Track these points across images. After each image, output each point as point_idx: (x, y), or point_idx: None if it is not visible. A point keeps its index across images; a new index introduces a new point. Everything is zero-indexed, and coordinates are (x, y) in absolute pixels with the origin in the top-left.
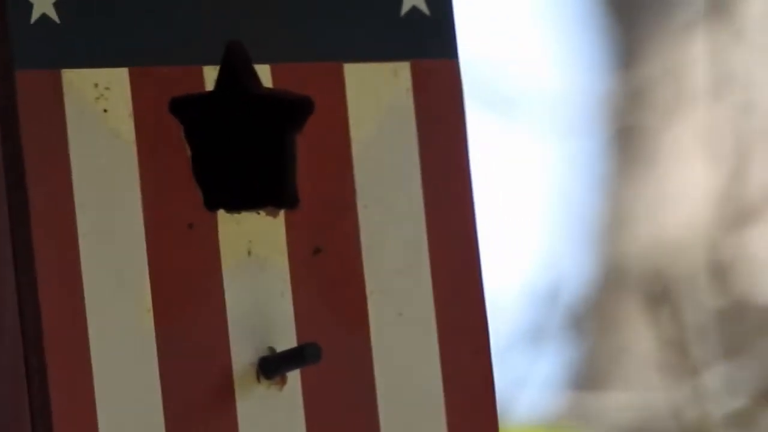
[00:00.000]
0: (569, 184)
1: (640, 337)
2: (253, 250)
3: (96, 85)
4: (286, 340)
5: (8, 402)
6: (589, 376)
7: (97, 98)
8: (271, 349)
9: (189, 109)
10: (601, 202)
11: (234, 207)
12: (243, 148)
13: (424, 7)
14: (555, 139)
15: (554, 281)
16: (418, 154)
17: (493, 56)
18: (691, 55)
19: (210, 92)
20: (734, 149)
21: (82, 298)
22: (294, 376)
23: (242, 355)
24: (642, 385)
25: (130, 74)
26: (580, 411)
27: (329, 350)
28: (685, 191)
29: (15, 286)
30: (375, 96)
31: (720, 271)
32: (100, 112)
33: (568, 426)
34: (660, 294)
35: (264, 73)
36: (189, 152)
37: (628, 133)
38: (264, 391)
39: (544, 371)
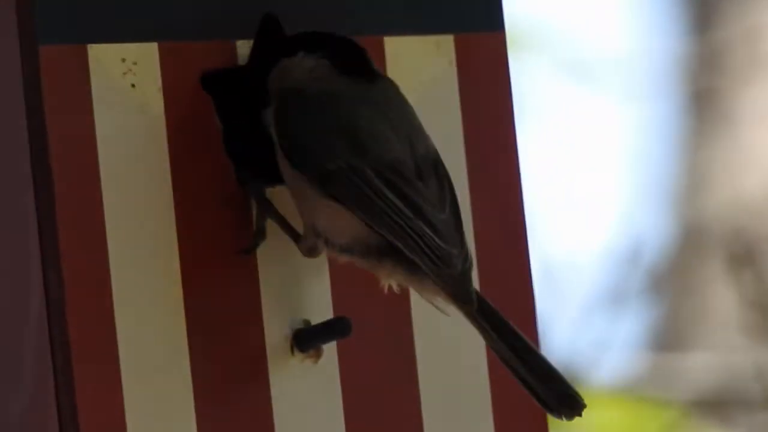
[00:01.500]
0: (648, 147)
1: (721, 299)
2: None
3: (123, 60)
4: (322, 312)
5: (34, 380)
6: (670, 337)
7: (125, 73)
8: (306, 321)
9: (221, 83)
10: (679, 164)
11: (265, 182)
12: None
13: None
14: (633, 102)
15: (634, 243)
16: (462, 129)
17: (569, 19)
18: (766, 19)
19: (242, 67)
20: None
21: (108, 272)
22: (331, 349)
23: (276, 328)
24: (724, 347)
25: (160, 49)
26: (661, 373)
27: (368, 323)
28: (763, 152)
29: (40, 261)
30: (417, 69)
31: None
32: (127, 87)
33: (650, 387)
34: (742, 255)
35: None
36: (220, 126)
37: (704, 96)
38: (298, 364)
39: (626, 333)
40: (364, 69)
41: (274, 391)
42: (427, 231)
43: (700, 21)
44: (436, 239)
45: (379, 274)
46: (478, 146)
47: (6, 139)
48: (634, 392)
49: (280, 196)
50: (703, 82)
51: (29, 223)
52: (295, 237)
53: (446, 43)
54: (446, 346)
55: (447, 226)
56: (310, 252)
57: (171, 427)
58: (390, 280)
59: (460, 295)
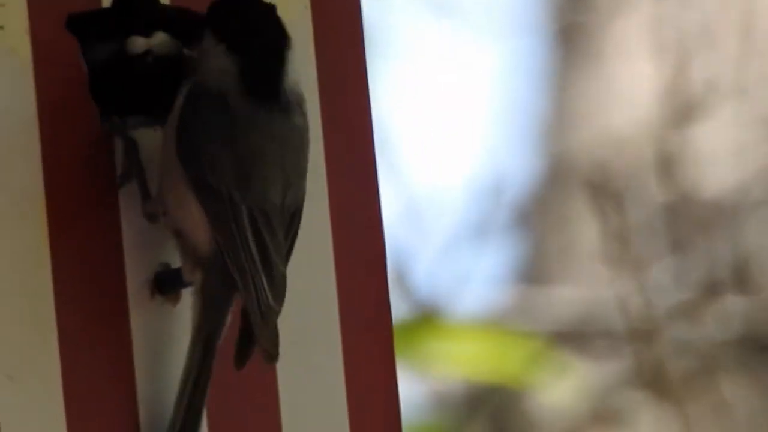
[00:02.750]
0: (514, 82)
1: (585, 232)
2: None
3: None
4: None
5: None
6: (534, 271)
7: None
8: (166, 264)
9: (86, 26)
10: (545, 99)
11: (130, 124)
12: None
13: None
14: (499, 38)
15: (499, 177)
16: (316, 73)
17: None
18: None
19: (106, 9)
20: (678, 44)
21: None
22: (189, 294)
23: (137, 271)
24: (587, 279)
25: None
26: (525, 305)
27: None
28: (629, 87)
29: None
30: None
31: (665, 166)
32: None
33: (514, 320)
34: (605, 189)
35: None
36: (85, 68)
37: (571, 30)
38: (158, 307)
39: (489, 267)
40: (275, 89)
41: (135, 333)
42: (265, 286)
43: None
44: (269, 296)
45: (186, 268)
46: (331, 87)
47: None
48: (497, 325)
49: (145, 143)
50: (571, 17)
51: None
52: (145, 194)
53: None
54: (302, 284)
55: (282, 282)
56: (149, 217)
57: (36, 366)
58: (192, 278)
59: (270, 348)
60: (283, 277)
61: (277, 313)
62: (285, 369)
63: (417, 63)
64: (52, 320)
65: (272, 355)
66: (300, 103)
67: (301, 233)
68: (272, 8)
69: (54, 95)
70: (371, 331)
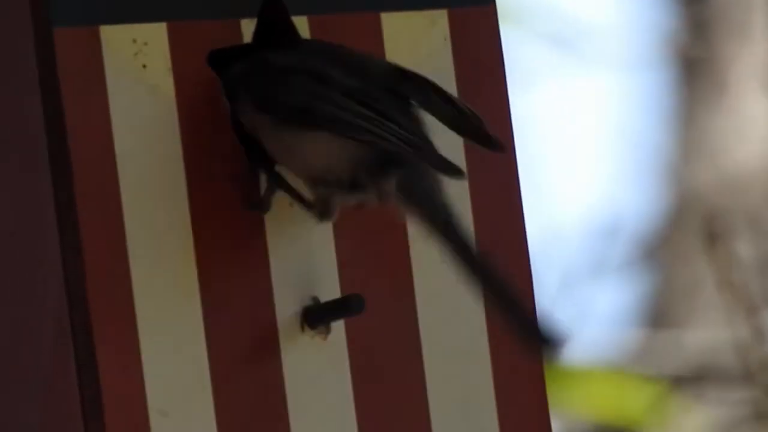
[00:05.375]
0: (635, 118)
1: (704, 273)
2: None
3: (134, 41)
4: (330, 289)
5: (54, 358)
6: (653, 312)
7: (136, 54)
8: (315, 299)
9: (228, 62)
10: (669, 134)
11: (276, 161)
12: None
13: None
14: (621, 72)
15: (620, 216)
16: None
17: None
18: None
19: (247, 45)
20: None
21: (125, 252)
22: (338, 327)
23: (286, 305)
24: (707, 323)
25: (168, 29)
26: (643, 348)
27: (372, 299)
28: (752, 125)
29: (59, 242)
30: (413, 45)
31: None
32: (139, 67)
33: (633, 363)
34: (718, 232)
35: (302, 25)
36: (228, 106)
37: (694, 67)
38: (308, 341)
39: (608, 307)
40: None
41: (286, 368)
42: (397, 128)
43: None
44: (406, 132)
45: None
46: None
47: (22, 122)
48: (617, 367)
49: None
50: (694, 52)
51: (46, 203)
52: (308, 205)
53: (441, 18)
54: (448, 315)
55: (414, 124)
56: (323, 212)
57: (190, 402)
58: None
59: (443, 163)
60: (417, 119)
61: (427, 140)
62: (437, 400)
63: (541, 99)
64: (204, 356)
65: (450, 168)
66: None
67: (446, 268)
68: None
69: (197, 131)
70: (522, 357)
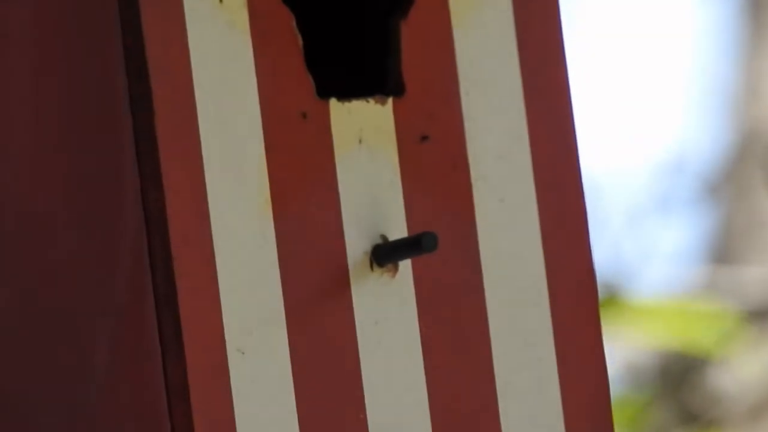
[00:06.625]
0: (700, 53)
1: None
2: (364, 138)
3: None
4: (397, 228)
5: (132, 289)
6: (720, 248)
7: None
8: (384, 237)
9: None
10: (732, 71)
11: (345, 95)
12: (352, 36)
13: None
14: (686, 7)
15: (686, 151)
16: (516, 41)
17: None
18: None
19: None
20: None
21: (204, 186)
22: (405, 265)
23: (356, 243)
24: None
25: None
26: (712, 284)
27: (437, 237)
28: None
29: (138, 174)
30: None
31: None
32: (216, 2)
33: (700, 299)
34: None
35: None
36: (301, 41)
37: (761, 2)
38: (377, 278)
39: (674, 243)
40: None
41: (356, 304)
42: None
43: None
44: None
45: None
46: (531, 57)
47: (103, 51)
48: (683, 303)
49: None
50: None
51: (126, 138)
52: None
53: None
54: (509, 255)
55: None
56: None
57: (265, 341)
58: None
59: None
60: None
61: None
62: (499, 337)
63: (604, 33)
64: (279, 295)
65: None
66: None
67: (507, 193)
68: None
69: (272, 67)
70: (579, 299)
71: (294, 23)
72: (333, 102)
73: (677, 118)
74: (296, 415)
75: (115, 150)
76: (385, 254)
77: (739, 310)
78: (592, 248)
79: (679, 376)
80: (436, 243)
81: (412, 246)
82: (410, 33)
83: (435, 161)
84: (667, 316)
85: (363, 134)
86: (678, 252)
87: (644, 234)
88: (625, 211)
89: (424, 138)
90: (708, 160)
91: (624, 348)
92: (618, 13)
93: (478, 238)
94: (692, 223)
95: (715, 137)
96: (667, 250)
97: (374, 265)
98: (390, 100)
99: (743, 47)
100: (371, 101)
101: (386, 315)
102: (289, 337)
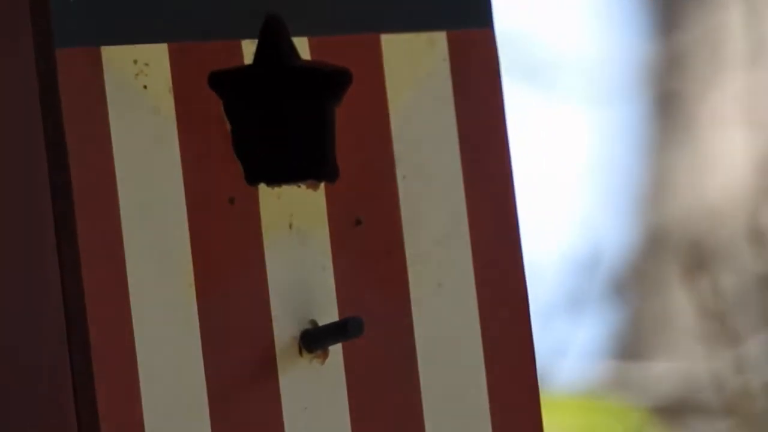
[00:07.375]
0: (609, 151)
1: (681, 305)
2: (295, 223)
3: (135, 62)
4: (328, 313)
5: (52, 382)
6: (630, 344)
7: (137, 74)
8: (313, 322)
9: (228, 83)
10: (642, 168)
11: (275, 180)
12: (282, 121)
13: None
14: (595, 106)
15: (595, 248)
16: (456, 124)
17: (531, 24)
18: (729, 21)
19: (249, 66)
20: None
21: (125, 275)
22: (336, 350)
23: (284, 329)
24: (683, 354)
25: (170, 50)
26: (621, 379)
27: (370, 322)
28: (724, 157)
29: (58, 265)
30: (412, 66)
31: (760, 238)
32: (140, 88)
33: (609, 395)
34: (697, 262)
35: (302, 46)
36: (229, 127)
37: (667, 100)
38: (306, 364)
39: (585, 339)
40: None
41: (284, 391)
42: None
43: (664, 23)
44: None
45: None
46: (471, 140)
47: (23, 140)
48: (594, 398)
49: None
50: (667, 86)
51: (46, 222)
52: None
53: (440, 39)
54: (446, 338)
55: None
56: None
57: (187, 428)
58: None
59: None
60: None
61: None
62: (434, 424)
63: (514, 132)
64: (202, 381)
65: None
66: None
67: (445, 278)
68: None
69: (198, 153)
70: (518, 385)
71: (222, 108)
72: (262, 187)
73: (588, 216)
74: None
75: (36, 237)
76: (313, 339)
77: (648, 406)
78: (532, 334)
79: None
80: (361, 328)
81: (339, 331)
82: (345, 115)
83: (369, 245)
84: (577, 411)
85: (293, 219)
86: (588, 348)
87: (556, 329)
88: (536, 308)
89: (358, 222)
90: (619, 257)
91: None
92: (527, 107)
93: (413, 324)
94: (602, 319)
95: (626, 235)
96: (577, 345)
97: (303, 351)
98: (322, 185)
99: (653, 145)
100: (302, 186)
101: (316, 401)
102: (212, 426)
